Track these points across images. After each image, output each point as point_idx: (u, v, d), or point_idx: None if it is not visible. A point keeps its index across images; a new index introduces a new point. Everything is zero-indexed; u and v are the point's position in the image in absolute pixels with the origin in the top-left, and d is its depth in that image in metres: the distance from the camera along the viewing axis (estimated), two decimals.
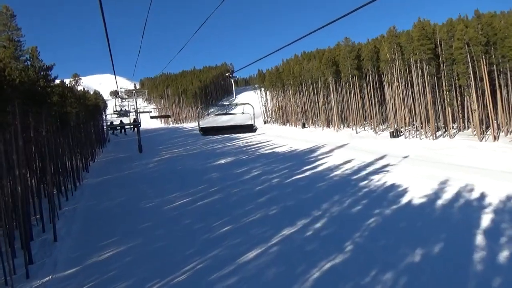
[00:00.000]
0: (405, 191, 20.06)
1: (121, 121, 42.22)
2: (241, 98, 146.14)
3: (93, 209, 22.57)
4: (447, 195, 18.83)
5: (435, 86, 37.98)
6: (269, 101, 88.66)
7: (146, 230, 17.53)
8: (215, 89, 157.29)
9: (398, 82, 41.42)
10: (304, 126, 64.82)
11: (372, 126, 48.64)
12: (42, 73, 18.37)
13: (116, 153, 54.35)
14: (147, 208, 21.50)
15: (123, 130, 40.89)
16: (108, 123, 41.59)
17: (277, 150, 39.70)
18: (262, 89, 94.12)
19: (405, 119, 41.25)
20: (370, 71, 47.29)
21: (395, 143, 37.72)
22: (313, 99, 62.12)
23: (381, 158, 29.85)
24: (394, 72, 41.88)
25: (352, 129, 51.59)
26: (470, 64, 33.37)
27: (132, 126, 43.93)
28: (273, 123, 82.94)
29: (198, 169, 32.86)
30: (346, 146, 37.90)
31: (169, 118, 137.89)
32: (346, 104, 53.91)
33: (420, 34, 36.43)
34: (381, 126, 47.42)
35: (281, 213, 18.27)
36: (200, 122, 11.15)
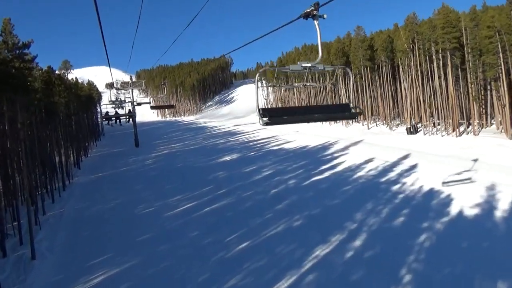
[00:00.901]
0: (449, 199, 17.08)
1: (116, 111, 39.93)
2: (240, 91, 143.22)
3: (82, 214, 19.41)
4: (503, 204, 15.87)
5: (459, 78, 34.96)
6: (270, 94, 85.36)
7: (145, 245, 14.44)
8: (214, 82, 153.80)
9: (416, 73, 38.37)
10: None
11: (385, 122, 45.67)
12: (17, 51, 15.10)
13: (111, 147, 51.06)
14: (145, 214, 18.39)
15: (118, 121, 38.74)
16: (103, 114, 39.34)
17: (285, 146, 36.60)
18: (264, 81, 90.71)
19: (424, 114, 38.25)
20: (384, 62, 44.18)
21: (414, 140, 34.75)
22: (319, 92, 58.97)
23: (405, 157, 26.85)
24: (412, 63, 38.81)
25: (363, 125, 48.61)
26: (501, 54, 30.34)
27: (127, 116, 41.80)
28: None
29: (201, 167, 29.73)
30: (362, 143, 34.88)
31: (167, 111, 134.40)
32: (356, 98, 50.83)
33: (445, 21, 33.28)
34: (393, 122, 44.40)
35: (308, 224, 15.24)
36: (260, 102, 6.66)
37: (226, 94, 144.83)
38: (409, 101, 40.48)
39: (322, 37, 6.39)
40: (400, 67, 42.07)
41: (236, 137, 48.21)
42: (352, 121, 51.27)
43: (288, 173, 24.66)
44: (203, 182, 24.22)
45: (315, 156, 30.29)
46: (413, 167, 23.70)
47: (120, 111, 40.70)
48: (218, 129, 62.39)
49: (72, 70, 35.82)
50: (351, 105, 7.01)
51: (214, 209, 18.31)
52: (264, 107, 6.91)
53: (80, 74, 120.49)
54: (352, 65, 48.25)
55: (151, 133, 66.40)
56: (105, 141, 61.88)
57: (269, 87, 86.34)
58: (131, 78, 49.65)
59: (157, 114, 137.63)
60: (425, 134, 36.94)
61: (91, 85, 60.94)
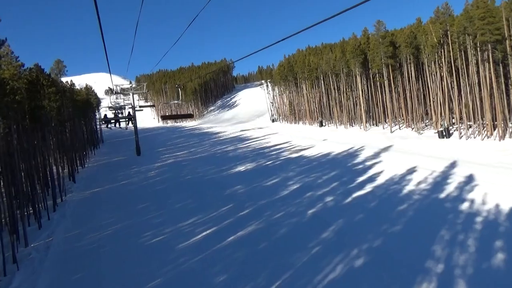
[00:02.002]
0: None
1: (115, 114, 38.14)
2: (242, 95, 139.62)
3: (73, 246, 15.46)
4: None
5: (499, 75, 31.15)
6: (277, 97, 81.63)
7: None
8: (215, 86, 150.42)
9: (449, 70, 34.59)
10: (321, 125, 57.90)
11: (409, 124, 41.82)
12: None
13: (111, 156, 47.21)
14: (152, 246, 14.46)
15: (117, 124, 37.31)
16: (102, 117, 37.61)
17: (305, 154, 32.70)
18: (269, 84, 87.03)
19: (457, 116, 34.37)
20: (408, 59, 40.43)
21: (451, 145, 30.86)
22: (333, 94, 55.18)
23: (453, 165, 22.97)
24: (443, 59, 35.04)
25: (383, 128, 44.77)
26: None
27: (127, 120, 39.08)
28: (282, 121, 75.98)
29: (213, 180, 25.84)
30: (392, 150, 30.98)
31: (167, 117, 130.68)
32: (374, 99, 47.06)
33: (485, 11, 29.53)
34: (419, 124, 40.51)
35: (374, 264, 11.29)
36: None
37: (229, 99, 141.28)
38: (439, 101, 36.63)
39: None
40: (426, 64, 38.30)
41: (246, 144, 44.33)
42: (370, 124, 47.53)
43: (321, 187, 20.73)
44: (220, 199, 20.33)
45: (345, 165, 26.38)
46: (470, 178, 19.78)
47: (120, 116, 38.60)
48: (224, 135, 58.52)
49: (65, 71, 32.14)
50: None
51: (240, 239, 14.37)
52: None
53: (79, 81, 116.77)
54: (371, 63, 44.51)
55: (153, 140, 62.62)
56: (105, 149, 58.02)
57: (275, 90, 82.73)
58: (130, 84, 46.23)
59: (158, 120, 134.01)
60: (460, 138, 33.05)
61: (89, 89, 57.15)
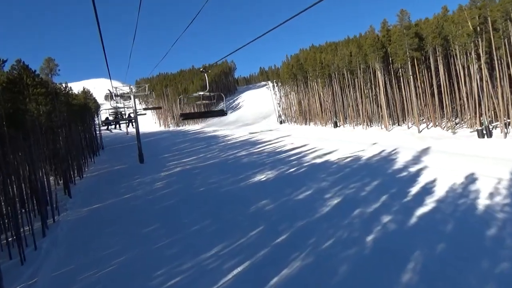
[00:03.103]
0: None
1: (115, 116, 35.70)
2: (245, 97, 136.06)
3: None
4: None
5: None
6: (284, 98, 77.89)
7: None
8: (217, 88, 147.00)
9: (490, 62, 30.84)
10: (336, 125, 54.12)
11: (436, 123, 38.05)
12: None
13: (112, 164, 43.47)
14: None
15: (117, 126, 35.76)
16: (103, 119, 35.41)
17: (330, 158, 28.94)
18: (276, 84, 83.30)
19: (500, 112, 30.56)
20: (437, 51, 36.68)
21: (497, 145, 27.07)
22: (348, 92, 51.44)
23: None
24: (481, 49, 31.28)
25: (408, 127, 40.99)
26: None
27: (127, 121, 37.08)
28: (291, 122, 72.25)
29: (231, 192, 22.08)
30: (431, 151, 27.21)
31: (169, 120, 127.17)
32: (396, 96, 43.31)
33: None
34: (449, 122, 36.71)
35: None
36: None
37: (232, 101, 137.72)
38: (474, 96, 32.85)
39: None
40: (458, 56, 34.56)
41: (259, 148, 40.56)
42: (392, 123, 43.75)
43: (368, 202, 16.95)
44: (245, 218, 16.60)
45: (384, 172, 22.60)
46: None
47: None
48: (232, 139, 54.76)
49: (58, 71, 28.46)
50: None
51: (287, 283, 10.60)
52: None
53: (78, 87, 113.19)
54: (393, 57, 40.76)
55: (156, 145, 58.89)
56: (105, 156, 54.30)
57: (282, 90, 79.05)
58: (130, 88, 42.70)
59: (159, 124, 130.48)
60: (505, 137, 29.24)
61: (86, 93, 53.50)
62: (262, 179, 24.65)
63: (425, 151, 27.20)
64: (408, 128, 40.86)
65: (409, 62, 38.38)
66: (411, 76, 38.56)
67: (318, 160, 28.75)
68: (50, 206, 21.10)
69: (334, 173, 23.42)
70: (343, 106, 53.73)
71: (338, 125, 54.32)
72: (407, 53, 37.88)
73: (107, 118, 36.07)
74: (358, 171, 23.20)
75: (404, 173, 21.55)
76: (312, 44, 78.27)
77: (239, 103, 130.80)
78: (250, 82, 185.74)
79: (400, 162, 24.55)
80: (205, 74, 15.04)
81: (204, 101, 17.75)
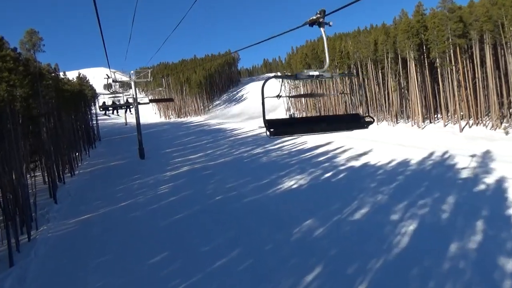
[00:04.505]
0: None
1: (113, 102, 33.73)
2: (249, 88, 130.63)
3: None
4: None
5: None
6: (294, 90, 72.85)
7: None
8: (220, 79, 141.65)
9: None
10: None
11: (478, 120, 33.30)
12: None
13: (108, 158, 38.75)
14: None
15: (115, 111, 34.03)
16: (101, 103, 33.15)
17: (369, 161, 24.19)
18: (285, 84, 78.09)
19: None
20: (486, 38, 31.77)
21: None
22: (370, 85, 46.57)
23: None
24: None
25: (444, 125, 36.21)
26: None
27: (125, 107, 34.09)
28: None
29: (259, 204, 17.32)
30: (497, 156, 22.42)
31: (170, 111, 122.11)
32: (430, 89, 38.49)
33: None
34: (496, 119, 31.96)
35: None
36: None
37: (235, 92, 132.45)
38: None
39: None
40: (510, 43, 29.72)
41: (276, 145, 35.68)
42: (423, 120, 38.92)
43: (462, 231, 12.20)
44: (290, 252, 11.87)
45: (452, 183, 17.84)
46: None
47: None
48: (241, 133, 49.91)
49: (42, 46, 23.50)
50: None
51: None
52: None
53: (76, 76, 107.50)
54: (431, 45, 35.78)
55: (157, 138, 54.05)
56: (101, 148, 49.50)
57: (292, 81, 74.01)
58: (129, 76, 37.89)
59: (159, 115, 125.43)
60: None
61: (82, 79, 48.39)
62: (293, 187, 19.89)
63: (488, 157, 22.44)
64: (445, 126, 36.08)
65: (451, 51, 33.46)
66: (454, 67, 33.67)
67: (355, 163, 24.00)
68: (25, 219, 16.35)
69: (386, 182, 18.67)
70: (366, 100, 48.88)
71: None
72: (450, 39, 32.94)
73: (104, 103, 33.14)
74: (417, 181, 18.44)
75: (482, 186, 16.81)
76: (335, 33, 73.00)
77: (243, 95, 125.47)
78: (252, 74, 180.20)
79: (465, 170, 19.81)
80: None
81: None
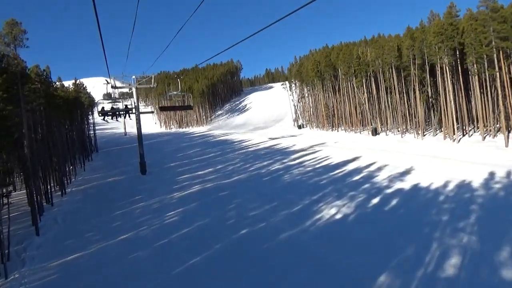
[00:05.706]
0: None
1: (112, 107, 32.20)
2: (253, 98, 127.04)
3: None
4: None
5: None
6: (302, 100, 69.26)
7: None
8: (223, 88, 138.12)
9: None
10: (375, 132, 45.39)
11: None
12: None
13: (106, 173, 34.69)
14: None
15: (115, 117, 32.47)
16: (99, 109, 31.56)
17: (419, 182, 20.11)
18: (294, 83, 74.76)
19: None
20: None
21: None
22: (391, 93, 42.79)
23: None
24: None
25: (483, 138, 32.21)
26: None
27: (123, 112, 31.91)
28: (312, 127, 63.60)
29: (299, 246, 13.19)
30: None
31: (172, 122, 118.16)
32: (464, 98, 34.65)
33: None
34: None
35: None
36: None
37: (238, 102, 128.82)
38: None
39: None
40: None
41: (295, 160, 31.63)
42: (454, 132, 34.93)
43: None
44: None
45: None
46: None
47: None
48: (251, 145, 45.88)
49: (25, 40, 19.80)
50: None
51: None
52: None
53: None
54: (468, 49, 32.02)
55: (159, 150, 50.05)
56: (99, 161, 45.42)
57: (301, 90, 70.53)
58: (130, 85, 34.34)
59: (160, 125, 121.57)
60: None
61: (78, 86, 44.52)
62: (337, 217, 15.79)
63: None
64: (483, 139, 32.11)
65: (494, 55, 29.71)
66: (497, 73, 29.87)
67: (402, 185, 19.94)
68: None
69: (459, 214, 14.57)
70: (381, 110, 45.11)
71: (378, 132, 45.63)
72: (493, 42, 29.23)
73: (103, 108, 31.56)
74: (499, 214, 14.34)
75: None
76: (325, 44, 70.07)
77: (246, 105, 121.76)
78: (254, 84, 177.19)
79: None
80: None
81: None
